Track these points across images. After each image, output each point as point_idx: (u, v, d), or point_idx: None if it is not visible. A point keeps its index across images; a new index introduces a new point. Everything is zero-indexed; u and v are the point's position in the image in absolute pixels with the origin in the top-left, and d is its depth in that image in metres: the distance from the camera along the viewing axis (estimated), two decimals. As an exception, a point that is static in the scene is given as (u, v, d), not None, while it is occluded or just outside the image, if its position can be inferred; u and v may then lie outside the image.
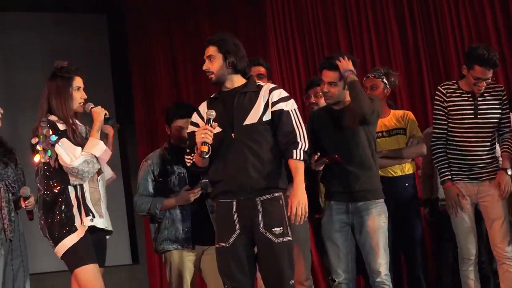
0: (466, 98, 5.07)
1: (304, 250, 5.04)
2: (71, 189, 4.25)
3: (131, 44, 8.73)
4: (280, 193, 4.28)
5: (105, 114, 4.33)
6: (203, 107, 4.41)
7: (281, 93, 4.34)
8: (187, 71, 8.46)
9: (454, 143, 5.11)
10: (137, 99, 8.67)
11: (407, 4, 6.80)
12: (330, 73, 4.75)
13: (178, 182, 5.10)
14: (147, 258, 8.39)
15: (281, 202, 4.27)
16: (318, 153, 4.73)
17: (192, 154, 4.36)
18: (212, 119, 4.21)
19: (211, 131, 4.16)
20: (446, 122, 5.12)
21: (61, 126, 4.29)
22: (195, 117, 4.46)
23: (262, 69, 5.20)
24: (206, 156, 4.19)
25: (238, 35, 7.76)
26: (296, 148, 4.21)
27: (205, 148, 4.15)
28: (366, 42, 7.04)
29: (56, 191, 4.23)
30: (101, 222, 4.29)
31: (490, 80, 5.01)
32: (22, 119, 8.25)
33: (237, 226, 4.24)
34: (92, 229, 4.23)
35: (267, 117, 4.27)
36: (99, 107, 4.34)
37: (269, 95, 4.31)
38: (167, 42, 8.66)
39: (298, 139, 4.23)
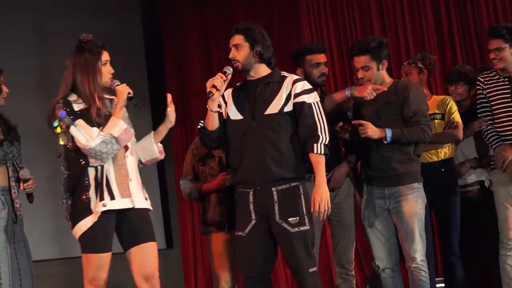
0: (502, 83, 5.11)
1: (348, 234, 5.10)
2: (90, 170, 4.11)
3: (165, 29, 8.67)
4: (297, 183, 4.30)
5: (129, 93, 4.18)
6: (227, 94, 4.44)
7: (304, 85, 4.36)
8: (220, 56, 8.31)
9: (497, 128, 5.15)
10: (171, 83, 8.60)
11: None
12: (361, 58, 4.78)
13: (217, 165, 5.13)
14: (181, 243, 8.40)
15: (297, 191, 4.29)
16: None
17: (203, 120, 4.43)
18: (228, 72, 4.28)
19: (223, 79, 4.23)
20: (490, 109, 5.18)
21: (77, 107, 4.14)
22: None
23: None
24: (210, 96, 4.24)
25: (272, 21, 7.76)
26: (317, 142, 4.23)
27: (213, 90, 4.21)
28: (400, 26, 7.02)
29: (76, 173, 4.10)
30: (123, 202, 4.13)
31: (501, 53, 5.06)
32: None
33: (253, 216, 4.29)
34: (119, 211, 4.14)
35: (289, 108, 4.29)
36: (124, 85, 4.20)
37: (292, 86, 4.33)
38: (201, 27, 8.59)
39: (319, 133, 4.25)
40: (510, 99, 5.10)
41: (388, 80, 4.85)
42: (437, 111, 5.41)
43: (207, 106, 4.34)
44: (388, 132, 4.64)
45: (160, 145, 4.40)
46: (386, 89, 4.77)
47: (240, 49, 4.35)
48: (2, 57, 6.54)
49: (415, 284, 4.74)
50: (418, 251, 4.70)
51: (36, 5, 8.26)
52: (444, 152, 5.38)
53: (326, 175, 4.66)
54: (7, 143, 4.56)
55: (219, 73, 4.26)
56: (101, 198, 4.08)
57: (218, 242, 5.10)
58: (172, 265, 8.28)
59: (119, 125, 4.11)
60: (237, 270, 5.06)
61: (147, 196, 4.31)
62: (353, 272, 5.14)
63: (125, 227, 4.19)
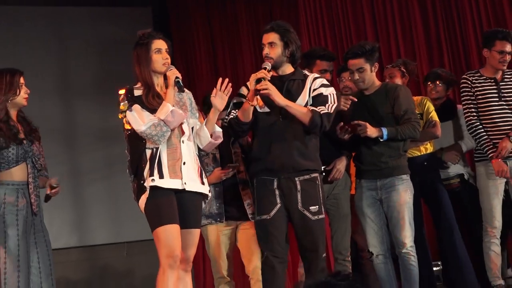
0: (489, 83, 5.29)
1: (344, 223, 5.17)
2: (147, 152, 4.15)
3: (174, 34, 8.87)
4: (317, 174, 4.44)
5: (176, 77, 4.21)
6: (252, 82, 4.37)
7: (323, 81, 4.49)
8: (226, 57, 8.60)
9: (484, 124, 5.27)
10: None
11: None
12: (355, 61, 4.88)
13: (211, 161, 5.20)
14: None
15: (317, 182, 4.43)
16: (342, 123, 4.83)
17: (236, 110, 4.45)
18: (268, 68, 4.33)
19: (266, 75, 4.29)
20: (476, 107, 5.31)
21: (137, 92, 4.24)
22: (243, 89, 4.56)
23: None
24: (264, 79, 4.28)
25: (272, 21, 7.76)
26: (318, 109, 4.32)
27: (266, 76, 4.28)
28: (391, 32, 7.07)
29: (137, 155, 4.18)
30: (173, 182, 4.14)
31: (510, 57, 5.27)
32: (77, 104, 8.57)
33: (278, 201, 4.38)
34: (176, 190, 4.13)
35: (310, 102, 4.41)
36: (173, 70, 4.24)
37: (313, 82, 4.46)
38: (207, 30, 8.79)
39: (326, 108, 4.34)
40: (497, 99, 5.26)
41: (378, 82, 5.02)
42: (416, 111, 5.46)
43: (247, 100, 4.37)
44: (384, 131, 4.78)
45: (219, 130, 4.37)
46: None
47: (274, 47, 4.42)
48: (25, 62, 6.75)
49: (405, 268, 4.86)
50: (408, 237, 4.81)
51: (55, 13, 8.60)
52: (425, 147, 5.53)
53: (327, 166, 4.95)
54: (27, 142, 4.61)
55: (262, 70, 4.31)
56: (150, 175, 4.09)
57: (216, 233, 5.18)
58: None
59: (165, 108, 4.13)
60: (234, 258, 5.26)
61: (205, 181, 4.31)
62: (349, 258, 5.19)
63: (179, 208, 4.16)
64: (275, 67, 4.46)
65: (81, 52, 8.63)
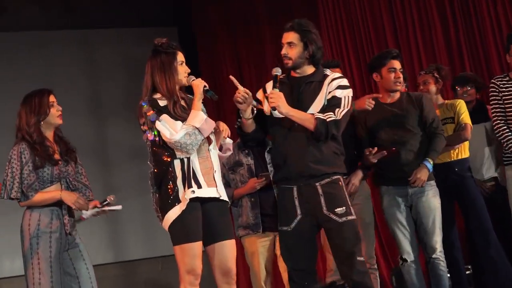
0: None
1: (368, 231, 5.13)
2: (176, 163, 4.03)
3: (200, 53, 9.05)
4: (339, 176, 4.22)
5: (204, 86, 4.11)
6: (269, 87, 4.31)
7: (340, 82, 4.23)
8: (251, 75, 8.70)
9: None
10: (208, 103, 8.94)
11: (449, 5, 6.85)
12: (396, 62, 4.95)
13: (246, 172, 5.18)
14: None
15: (340, 183, 4.20)
16: (376, 148, 4.80)
17: (239, 119, 4.35)
18: (279, 75, 4.18)
19: (245, 96, 4.16)
20: (504, 111, 5.32)
21: (162, 102, 4.10)
22: (259, 94, 4.44)
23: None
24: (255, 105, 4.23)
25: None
26: (325, 115, 4.11)
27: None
28: (412, 41, 7.08)
29: (163, 167, 4.04)
30: (210, 191, 4.06)
31: None
32: (106, 124, 8.71)
33: (299, 211, 4.18)
34: (203, 200, 4.04)
35: (325, 105, 4.20)
36: (199, 79, 4.14)
37: (330, 84, 4.21)
38: (232, 49, 8.90)
39: (334, 114, 4.13)
40: None
41: (398, 93, 5.05)
42: (448, 115, 5.52)
43: (241, 114, 4.27)
44: (429, 165, 4.85)
45: (229, 141, 4.28)
46: (381, 95, 4.95)
47: (293, 47, 4.21)
48: (57, 83, 6.74)
49: (435, 274, 4.88)
50: (438, 242, 4.86)
51: (85, 36, 8.82)
52: (456, 153, 5.49)
53: (344, 179, 4.88)
54: (63, 162, 4.55)
55: (240, 90, 4.18)
56: (189, 186, 3.99)
57: (254, 244, 5.16)
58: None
59: (199, 116, 4.03)
60: (273, 268, 5.22)
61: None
62: (375, 266, 5.19)
63: (208, 221, 4.07)
64: (293, 68, 4.28)
65: (111, 72, 8.78)
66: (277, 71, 4.20)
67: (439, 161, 5.31)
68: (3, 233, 8.22)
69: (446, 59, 6.88)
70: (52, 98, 4.58)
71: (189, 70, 4.20)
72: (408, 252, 4.93)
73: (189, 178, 4.01)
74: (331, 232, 4.17)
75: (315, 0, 7.90)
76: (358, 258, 4.13)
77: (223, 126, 4.23)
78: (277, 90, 4.14)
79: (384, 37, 7.31)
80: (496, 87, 5.35)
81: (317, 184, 4.16)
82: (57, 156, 4.56)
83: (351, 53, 7.61)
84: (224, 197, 4.13)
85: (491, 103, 5.44)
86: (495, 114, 5.36)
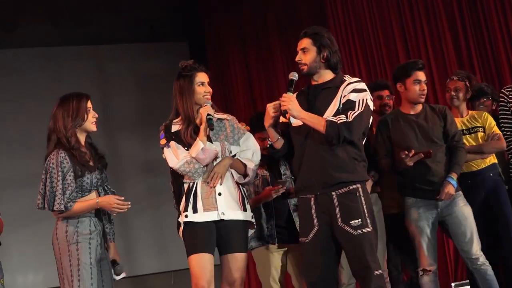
0: None
1: (380, 244, 4.89)
2: (186, 185, 4.20)
3: (211, 67, 8.95)
4: (357, 185, 4.08)
5: (208, 115, 4.15)
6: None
7: (356, 85, 4.14)
8: (262, 87, 8.71)
9: None
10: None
11: (459, 16, 6.84)
12: (422, 74, 4.92)
13: (261, 183, 5.06)
14: None
15: (357, 194, 4.07)
16: (413, 150, 4.70)
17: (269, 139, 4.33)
18: (294, 79, 4.14)
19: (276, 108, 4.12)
20: None
21: (176, 127, 4.23)
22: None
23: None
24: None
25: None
26: (336, 118, 4.02)
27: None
28: (422, 51, 7.07)
29: (178, 188, 4.23)
30: (208, 215, 4.16)
31: None
32: (118, 138, 8.73)
33: (316, 223, 4.10)
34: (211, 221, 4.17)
35: (341, 110, 4.09)
36: (207, 107, 4.19)
37: (345, 88, 4.13)
38: (243, 63, 8.94)
39: (346, 116, 4.03)
40: None
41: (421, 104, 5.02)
42: (478, 125, 5.40)
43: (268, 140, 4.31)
44: (454, 182, 4.79)
45: (252, 167, 4.33)
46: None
47: (307, 53, 4.16)
48: None
49: (484, 281, 4.77)
50: (479, 249, 4.75)
51: (97, 51, 8.88)
52: (489, 159, 5.36)
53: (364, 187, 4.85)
54: (98, 170, 4.37)
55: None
56: (185, 210, 4.16)
57: (267, 256, 5.02)
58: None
59: (197, 145, 4.12)
60: (287, 281, 5.10)
61: (248, 207, 4.31)
62: (388, 279, 5.11)
63: (220, 235, 4.19)
64: (310, 74, 4.22)
65: (122, 86, 8.81)
66: (294, 76, 4.16)
67: (471, 169, 5.29)
68: (27, 246, 8.23)
69: (456, 69, 6.74)
70: (89, 104, 4.37)
71: (209, 90, 4.28)
72: (431, 263, 4.83)
73: (188, 202, 4.17)
74: (346, 245, 4.08)
75: (325, 11, 7.96)
76: (375, 273, 4.01)
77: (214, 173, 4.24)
78: (290, 94, 4.11)
79: (395, 47, 7.31)
80: (505, 97, 5.33)
81: (333, 193, 4.06)
82: (92, 163, 4.36)
83: (361, 64, 7.62)
84: (234, 217, 4.23)
85: (499, 113, 5.42)
86: (503, 125, 5.34)
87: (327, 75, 4.21)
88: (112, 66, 8.90)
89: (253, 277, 7.65)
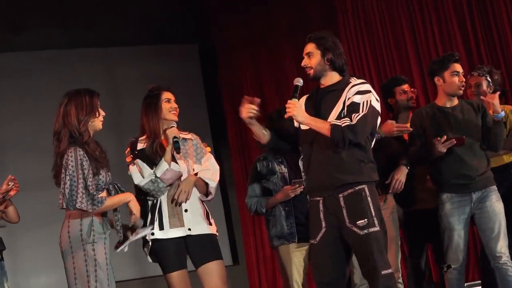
0: None
1: (394, 245, 5.09)
2: (149, 203, 4.38)
3: (221, 69, 9.06)
4: (363, 186, 4.11)
5: (174, 137, 4.34)
6: (301, 102, 4.28)
7: (360, 87, 4.16)
8: (272, 91, 8.71)
9: None
10: (229, 120, 9.02)
11: (469, 18, 6.84)
12: (459, 65, 4.96)
13: (280, 181, 5.05)
14: (246, 259, 8.59)
15: (363, 194, 4.10)
16: (445, 136, 4.76)
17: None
18: (299, 85, 4.18)
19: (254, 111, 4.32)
20: None
21: (140, 146, 4.41)
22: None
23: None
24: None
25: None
26: (341, 121, 4.05)
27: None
28: (433, 55, 7.02)
29: (142, 206, 4.29)
30: (174, 232, 4.35)
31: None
32: (127, 140, 8.63)
33: (323, 224, 4.14)
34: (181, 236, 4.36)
35: (345, 112, 4.13)
36: (173, 129, 4.37)
37: (349, 90, 4.16)
38: (253, 65, 8.94)
39: (350, 119, 4.04)
40: None
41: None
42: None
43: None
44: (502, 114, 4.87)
45: (213, 185, 4.51)
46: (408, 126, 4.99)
47: (312, 57, 4.22)
48: None
49: (504, 280, 4.75)
50: (504, 247, 4.74)
51: (106, 54, 8.86)
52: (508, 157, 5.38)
53: (386, 179, 4.88)
54: (107, 167, 4.22)
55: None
56: (151, 228, 4.33)
57: (288, 254, 4.98)
58: (239, 280, 8.53)
59: (161, 165, 4.30)
60: (308, 280, 5.07)
61: (212, 222, 4.49)
62: (401, 280, 5.13)
63: (191, 249, 4.39)
64: (317, 77, 4.28)
65: (132, 89, 8.78)
66: (299, 81, 4.19)
67: (500, 163, 5.29)
68: (40, 249, 8.19)
69: (467, 73, 6.62)
70: (99, 102, 4.27)
71: (176, 106, 4.45)
72: (457, 259, 4.81)
73: (153, 219, 4.33)
74: (355, 245, 4.12)
75: (336, 14, 7.96)
76: (383, 272, 4.02)
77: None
78: (296, 100, 4.14)
79: (406, 50, 7.32)
80: None
81: (340, 195, 4.10)
82: (103, 160, 4.25)
83: (372, 68, 7.63)
84: (201, 231, 4.41)
85: None
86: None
87: (333, 78, 4.26)
88: (122, 69, 8.89)
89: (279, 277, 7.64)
